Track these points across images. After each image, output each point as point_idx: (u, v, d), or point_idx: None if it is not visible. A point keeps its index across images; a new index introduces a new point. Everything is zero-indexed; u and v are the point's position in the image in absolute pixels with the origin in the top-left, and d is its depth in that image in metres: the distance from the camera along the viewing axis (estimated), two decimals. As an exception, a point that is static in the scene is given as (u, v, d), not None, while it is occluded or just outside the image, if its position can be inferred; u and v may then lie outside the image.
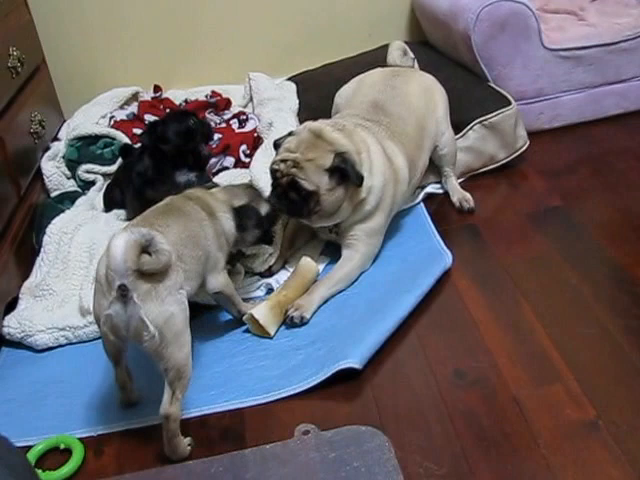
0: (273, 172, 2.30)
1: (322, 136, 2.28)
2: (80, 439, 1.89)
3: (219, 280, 2.09)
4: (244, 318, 2.19)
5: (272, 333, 2.19)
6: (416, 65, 2.94)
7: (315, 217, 2.33)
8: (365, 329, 2.12)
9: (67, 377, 2.15)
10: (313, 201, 2.26)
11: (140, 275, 1.69)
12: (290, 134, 2.37)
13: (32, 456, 1.85)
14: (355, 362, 1.98)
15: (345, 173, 2.24)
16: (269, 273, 2.44)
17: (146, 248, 1.69)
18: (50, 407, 2.04)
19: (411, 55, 2.93)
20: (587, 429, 1.76)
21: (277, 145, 2.38)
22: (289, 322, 2.22)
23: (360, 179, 2.26)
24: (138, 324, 1.70)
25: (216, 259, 2.06)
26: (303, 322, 2.22)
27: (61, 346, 2.28)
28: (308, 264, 2.36)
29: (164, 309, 1.73)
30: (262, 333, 2.19)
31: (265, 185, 2.60)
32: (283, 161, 2.27)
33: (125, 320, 1.71)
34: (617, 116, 3.27)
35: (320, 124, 2.36)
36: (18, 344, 2.28)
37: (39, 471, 1.80)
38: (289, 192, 2.27)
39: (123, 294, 1.68)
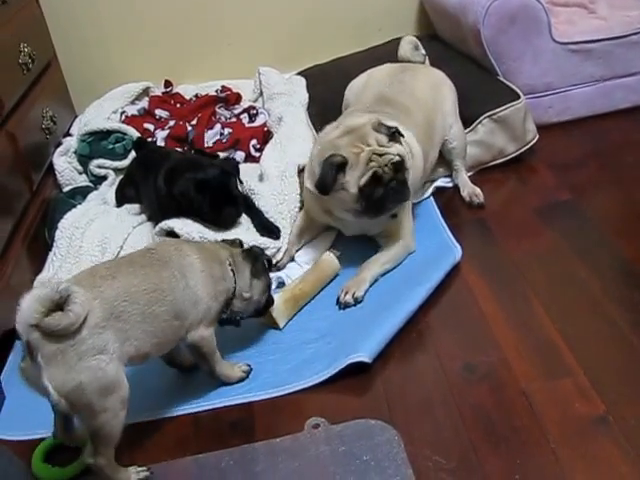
0: (371, 180, 2.24)
1: (352, 129, 2.31)
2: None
3: (199, 333, 1.87)
4: None
5: (281, 325, 2.21)
6: (427, 62, 2.94)
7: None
8: (375, 323, 2.13)
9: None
10: (406, 168, 2.31)
11: (46, 335, 1.54)
12: (325, 163, 2.26)
13: (40, 452, 1.85)
14: (365, 356, 2.00)
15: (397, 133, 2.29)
16: (276, 268, 2.45)
17: (61, 305, 1.55)
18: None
19: (422, 51, 2.93)
20: (596, 424, 1.77)
21: (324, 181, 2.26)
22: (343, 307, 2.25)
23: (400, 132, 2.32)
24: (42, 387, 1.56)
25: (205, 309, 1.87)
26: (358, 301, 2.25)
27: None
28: (330, 259, 2.39)
29: (70, 377, 1.56)
30: (272, 324, 2.21)
31: (275, 178, 2.61)
32: (369, 161, 2.25)
33: (34, 378, 1.58)
34: (627, 109, 3.25)
35: (333, 132, 2.37)
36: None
37: (49, 466, 1.82)
38: (397, 176, 2.28)
39: (29, 351, 1.55)
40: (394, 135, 2.29)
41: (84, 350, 1.57)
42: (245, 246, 2.14)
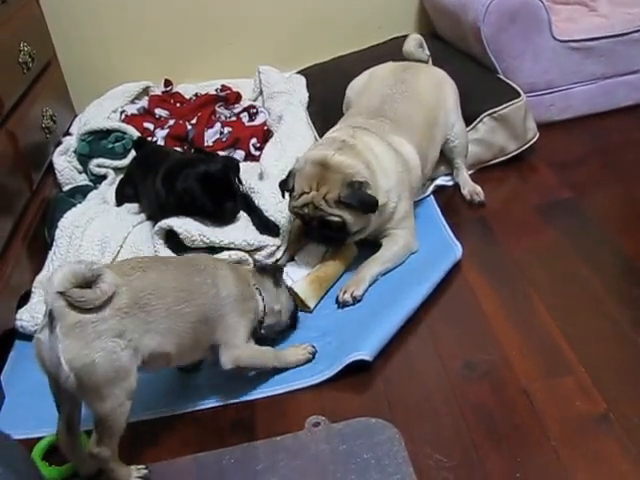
0: (300, 216, 2.33)
1: (327, 165, 2.26)
2: (87, 433, 1.89)
3: (234, 355, 1.88)
4: None
5: (311, 306, 2.25)
6: (430, 62, 2.94)
7: (353, 237, 2.35)
8: (375, 321, 2.13)
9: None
10: (347, 229, 2.29)
11: (70, 305, 1.56)
12: (291, 173, 2.34)
13: (39, 451, 1.85)
14: (366, 354, 1.99)
15: (354, 207, 2.24)
16: None
17: (89, 284, 1.58)
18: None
19: (427, 51, 2.92)
20: (598, 422, 1.76)
21: (283, 186, 2.37)
22: (341, 306, 2.25)
23: (372, 206, 2.24)
24: (55, 359, 1.56)
25: (232, 325, 1.88)
26: (356, 301, 2.25)
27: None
28: (349, 244, 2.40)
29: (84, 353, 1.56)
30: (302, 307, 2.23)
31: (275, 178, 2.61)
32: (305, 206, 2.28)
33: (48, 350, 1.58)
34: (628, 107, 3.24)
35: (320, 152, 2.32)
36: (30, 338, 2.29)
37: (46, 465, 1.82)
38: (323, 230, 2.30)
39: (50, 320, 1.56)
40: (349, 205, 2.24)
41: (103, 329, 1.58)
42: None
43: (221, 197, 2.44)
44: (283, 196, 2.41)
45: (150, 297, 1.69)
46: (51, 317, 1.56)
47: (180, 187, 2.40)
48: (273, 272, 2.06)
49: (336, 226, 2.28)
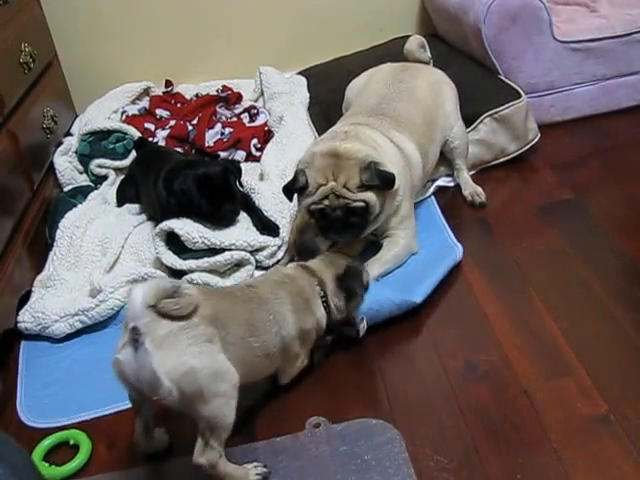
0: (319, 211, 2.27)
1: (337, 154, 2.25)
2: (89, 435, 1.89)
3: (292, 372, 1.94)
4: None
5: None
6: (431, 64, 2.93)
7: (370, 226, 2.33)
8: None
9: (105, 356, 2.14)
10: (369, 213, 2.27)
11: (159, 316, 1.52)
12: (298, 172, 2.29)
13: (40, 451, 1.86)
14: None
15: (377, 186, 2.23)
16: None
17: (173, 297, 1.55)
18: (98, 382, 2.04)
19: (428, 53, 2.92)
20: (598, 423, 1.76)
21: (291, 188, 2.31)
22: None
23: (392, 181, 2.23)
24: (149, 376, 1.49)
25: (293, 356, 1.90)
26: None
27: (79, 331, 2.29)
28: (353, 244, 2.40)
29: (181, 361, 1.52)
30: None
31: (275, 177, 2.61)
32: (324, 198, 2.25)
33: (135, 369, 1.51)
34: (629, 108, 3.25)
35: (326, 144, 2.31)
36: (34, 336, 2.29)
37: (46, 465, 1.82)
38: (347, 218, 2.26)
39: (134, 338, 1.49)
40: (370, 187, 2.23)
41: (196, 335, 1.55)
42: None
43: (219, 199, 2.43)
44: (291, 199, 2.37)
45: (228, 319, 1.68)
46: (135, 334, 1.48)
47: (177, 188, 2.40)
48: (347, 290, 2.00)
49: (360, 211, 2.25)
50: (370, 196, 2.23)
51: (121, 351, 1.53)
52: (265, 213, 2.52)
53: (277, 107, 3.21)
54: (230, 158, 3.00)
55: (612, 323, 2.08)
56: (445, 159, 2.81)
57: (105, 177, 2.99)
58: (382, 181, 2.21)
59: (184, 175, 2.40)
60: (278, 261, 2.45)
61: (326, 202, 2.25)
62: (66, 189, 2.94)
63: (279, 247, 2.46)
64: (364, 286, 2.05)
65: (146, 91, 3.52)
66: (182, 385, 1.51)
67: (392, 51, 3.03)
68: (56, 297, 2.35)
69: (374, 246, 2.43)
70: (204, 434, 1.59)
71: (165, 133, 3.15)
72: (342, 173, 2.22)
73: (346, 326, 2.06)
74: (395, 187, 2.27)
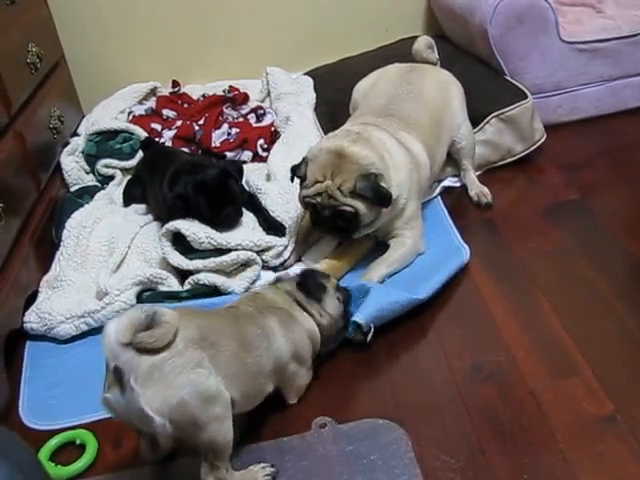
0: (312, 205, 2.30)
1: (342, 155, 2.25)
2: (95, 435, 1.89)
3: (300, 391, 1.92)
4: None
5: None
6: (439, 65, 2.93)
7: (361, 231, 2.34)
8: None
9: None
10: (358, 220, 2.27)
11: (140, 351, 1.45)
12: (304, 160, 2.32)
13: (47, 451, 1.86)
14: (361, 318, 2.03)
15: (371, 200, 2.22)
16: (283, 267, 2.44)
17: (148, 327, 1.48)
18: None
19: (436, 54, 2.92)
20: (605, 423, 1.76)
21: (294, 171, 2.34)
22: None
23: (386, 200, 2.23)
24: (140, 414, 1.45)
25: (290, 374, 1.86)
26: None
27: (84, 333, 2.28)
28: (358, 243, 2.40)
29: (170, 394, 1.46)
30: None
31: (282, 177, 2.61)
32: (318, 194, 2.27)
33: (125, 408, 1.48)
34: (636, 109, 3.24)
35: (336, 141, 2.31)
36: (39, 337, 2.29)
37: (52, 464, 1.82)
38: (335, 220, 2.28)
39: (117, 378, 1.45)
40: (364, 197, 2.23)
41: (181, 363, 1.49)
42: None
43: (219, 203, 2.43)
44: (292, 180, 2.39)
45: (218, 336, 1.62)
46: (118, 373, 1.45)
47: (175, 194, 2.40)
48: (307, 290, 1.95)
49: (348, 216, 2.26)
50: (360, 205, 2.23)
51: (108, 391, 1.49)
52: (272, 213, 2.52)
53: (284, 107, 3.22)
54: (237, 158, 3.01)
55: (618, 323, 2.07)
56: (452, 159, 2.81)
57: (112, 177, 3.00)
58: (376, 196, 2.22)
59: (184, 181, 2.40)
60: (285, 261, 2.45)
61: (318, 199, 2.26)
62: (73, 189, 2.95)
63: (285, 247, 2.46)
64: (321, 284, 1.98)
65: (153, 91, 3.53)
66: (174, 418, 1.48)
67: (398, 52, 3.03)
68: (63, 298, 2.35)
69: (381, 246, 2.42)
70: (207, 457, 1.57)
71: (172, 133, 3.16)
72: (340, 174, 2.23)
73: (345, 329, 2.04)
74: (394, 190, 2.26)
